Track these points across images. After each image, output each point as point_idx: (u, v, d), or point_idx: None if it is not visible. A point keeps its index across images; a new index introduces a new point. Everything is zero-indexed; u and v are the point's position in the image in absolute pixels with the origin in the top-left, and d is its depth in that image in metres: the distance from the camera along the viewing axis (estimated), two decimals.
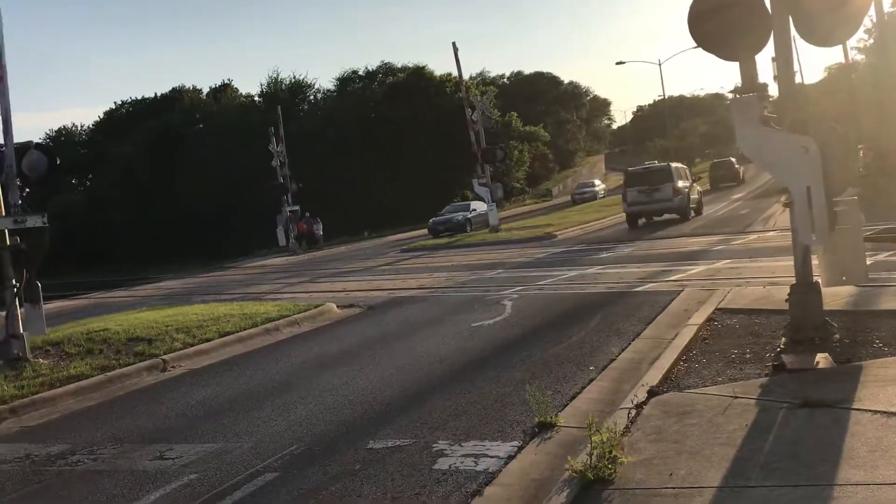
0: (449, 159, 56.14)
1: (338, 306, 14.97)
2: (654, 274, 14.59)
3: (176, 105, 70.66)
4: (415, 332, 11.62)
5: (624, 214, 28.61)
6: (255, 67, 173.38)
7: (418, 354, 9.83)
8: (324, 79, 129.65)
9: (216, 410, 8.22)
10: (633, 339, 9.08)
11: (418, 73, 69.06)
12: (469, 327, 11.30)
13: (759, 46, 7.34)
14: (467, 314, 12.51)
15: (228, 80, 76.21)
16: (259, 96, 70.98)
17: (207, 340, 12.17)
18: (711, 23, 7.17)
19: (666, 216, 27.58)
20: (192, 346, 11.88)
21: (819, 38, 7.37)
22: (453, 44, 36.23)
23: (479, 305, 13.37)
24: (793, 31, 7.13)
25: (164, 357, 11.16)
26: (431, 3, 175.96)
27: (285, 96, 65.74)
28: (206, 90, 75.22)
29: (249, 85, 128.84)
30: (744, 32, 7.12)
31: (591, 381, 7.53)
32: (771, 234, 18.77)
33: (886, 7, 36.66)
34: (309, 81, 72.18)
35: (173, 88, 74.09)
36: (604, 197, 57.54)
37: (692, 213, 28.09)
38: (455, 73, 38.34)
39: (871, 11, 31.03)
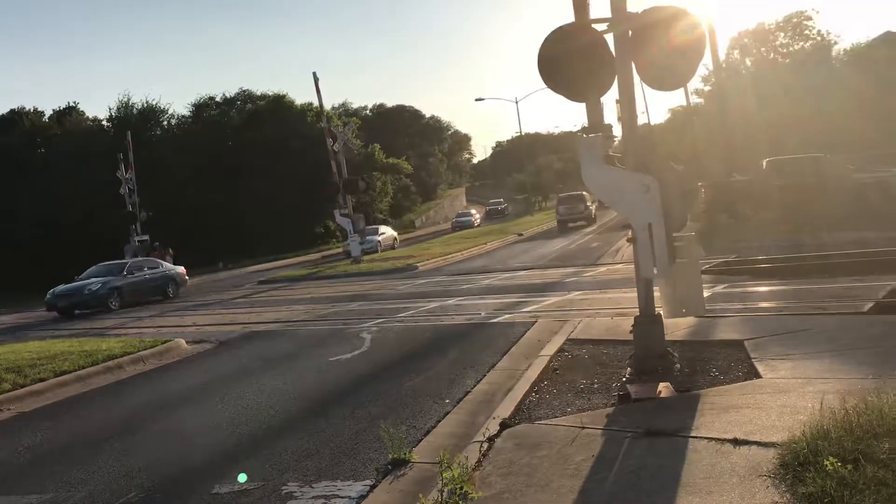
0: (311, 189, 55.41)
1: (187, 342, 14.32)
2: (511, 305, 14.90)
3: (15, 128, 66.06)
4: (269, 368, 11.25)
5: (479, 248, 35.81)
6: (105, 91, 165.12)
7: (271, 392, 9.51)
8: (178, 104, 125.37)
9: (47, 457, 7.58)
10: (488, 371, 9.18)
11: (278, 102, 68.08)
12: (326, 362, 11.07)
13: (604, 89, 7.69)
14: (325, 348, 12.28)
15: (74, 102, 72.43)
16: (108, 120, 67.58)
17: (41, 380, 11.27)
18: (559, 66, 7.46)
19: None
20: (23, 387, 10.94)
21: (658, 83, 7.81)
22: (314, 73, 36.17)
23: (337, 339, 13.16)
24: (636, 76, 7.53)
25: None
26: (292, 32, 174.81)
27: (136, 121, 62.81)
28: (49, 112, 70.92)
29: (98, 109, 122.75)
30: (589, 76, 7.45)
31: (447, 414, 7.52)
32: (619, 266, 19.65)
33: (721, 55, 39.73)
34: (162, 106, 69.50)
35: (11, 110, 69.27)
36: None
37: (594, 220, 44.88)
38: (316, 102, 38.10)
39: (708, 59, 33.54)
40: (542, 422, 6.56)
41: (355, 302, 18.95)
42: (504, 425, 6.51)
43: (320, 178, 44.80)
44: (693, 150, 36.82)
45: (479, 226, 64.18)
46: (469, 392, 8.26)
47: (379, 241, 42.50)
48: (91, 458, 7.33)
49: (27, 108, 70.02)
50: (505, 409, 6.97)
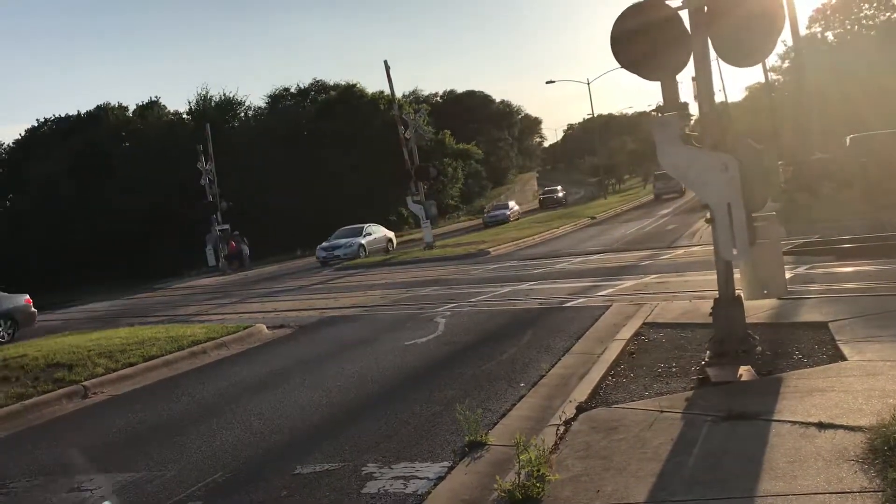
0: (383, 176, 55.95)
1: (268, 327, 14.70)
2: (585, 289, 14.77)
3: (101, 123, 68.73)
4: (346, 351, 11.47)
5: (551, 232, 35.40)
6: (184, 84, 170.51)
7: (349, 375, 9.70)
8: (255, 96, 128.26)
9: (138, 438, 7.94)
10: (562, 355, 9.14)
11: (350, 91, 68.87)
12: (402, 346, 11.22)
13: (680, 66, 7.51)
14: (400, 332, 12.43)
15: (156, 97, 75.03)
16: (188, 113, 69.68)
17: (131, 365, 11.78)
18: (633, 44, 7.32)
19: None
20: (114, 371, 11.46)
21: (736, 58, 7.59)
22: (385, 62, 36.26)
23: (412, 323, 13.30)
24: (713, 52, 7.34)
25: (84, 383, 10.74)
26: (363, 21, 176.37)
27: (214, 113, 64.62)
28: (132, 107, 73.50)
29: (178, 102, 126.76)
30: (664, 53, 7.28)
31: (522, 397, 7.53)
32: (696, 248, 19.23)
33: (802, 30, 38.25)
34: (239, 98, 71.27)
35: (98, 106, 72.09)
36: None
37: (683, 193, 49.18)
38: (388, 90, 38.38)
39: (787, 35, 32.38)
40: (620, 405, 6.51)
41: (429, 287, 19.10)
42: (580, 409, 6.49)
43: (393, 166, 45.16)
44: (772, 128, 35.70)
45: (517, 219, 55.14)
46: (544, 376, 8.25)
47: (363, 245, 35.63)
48: (178, 438, 7.64)
49: (112, 104, 72.78)
50: (581, 393, 6.94)
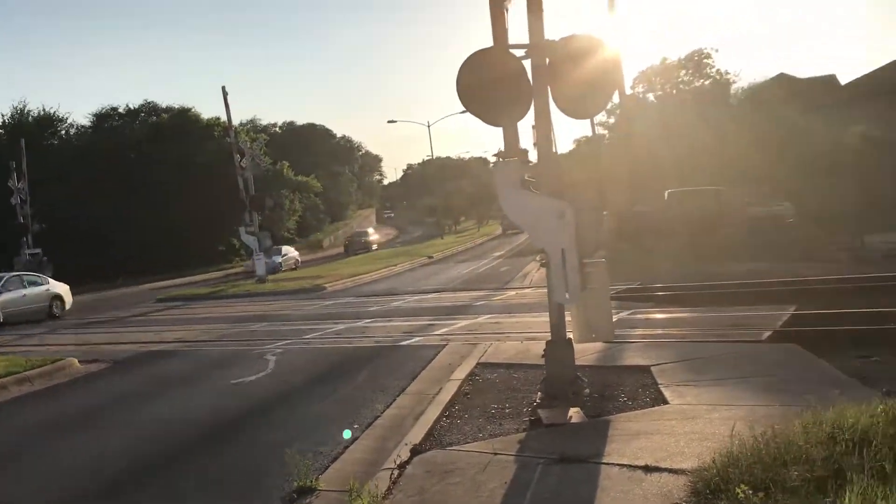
0: (216, 206, 53.97)
1: (80, 361, 13.54)
2: (421, 328, 14.78)
3: None
4: (166, 390, 10.75)
5: (389, 269, 35.04)
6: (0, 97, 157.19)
7: (168, 416, 9.05)
8: (78, 114, 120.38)
9: None
10: (398, 395, 9.00)
11: (183, 115, 66.19)
12: (228, 384, 10.65)
13: (521, 115, 7.73)
14: (227, 370, 11.82)
15: None
16: (1, 127, 64.25)
17: None
18: (477, 91, 7.44)
19: None
20: None
21: (573, 111, 7.92)
22: (223, 88, 35.30)
23: (240, 361, 12.70)
24: (552, 104, 7.59)
25: None
26: (202, 45, 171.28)
27: (32, 129, 59.91)
28: None
29: None
30: (507, 102, 7.46)
31: (356, 439, 7.30)
32: (528, 290, 19.84)
33: (627, 90, 41.13)
34: (61, 115, 66.52)
35: None
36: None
37: None
38: (224, 117, 37.25)
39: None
40: (454, 448, 6.44)
41: (260, 322, 18.43)
42: (415, 451, 6.36)
43: (226, 195, 43.64)
44: (598, 179, 37.84)
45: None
46: (379, 417, 8.07)
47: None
48: None
49: None
50: (416, 435, 6.82)
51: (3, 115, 64.76)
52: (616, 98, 33.23)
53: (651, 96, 57.71)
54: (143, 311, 25.14)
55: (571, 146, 65.17)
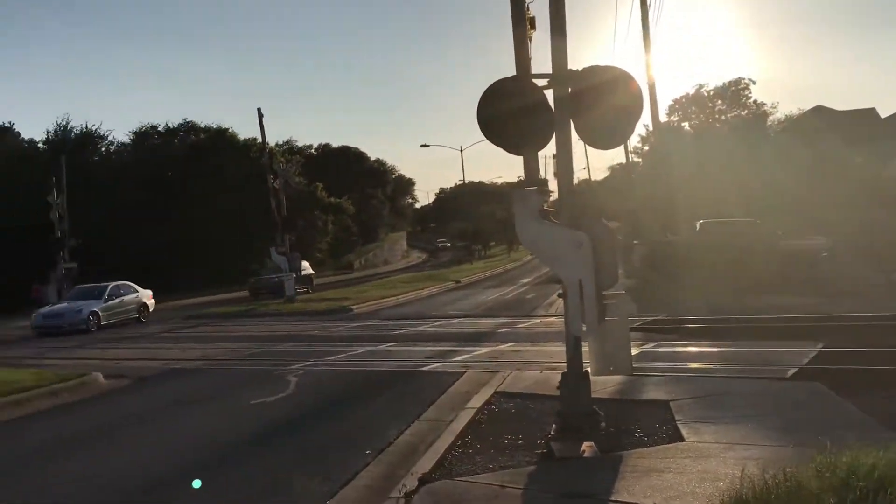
0: (250, 225, 54.62)
1: (105, 376, 13.72)
2: (442, 353, 14.73)
3: None
4: (187, 408, 10.83)
5: (416, 293, 35.12)
6: (43, 112, 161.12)
7: (186, 434, 9.11)
8: (120, 131, 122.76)
9: None
10: (413, 421, 8.96)
11: (221, 135, 67.23)
12: (248, 404, 10.69)
13: (542, 144, 7.73)
14: (248, 389, 11.88)
15: (10, 122, 69.86)
16: (44, 143, 65.72)
17: None
18: (498, 119, 7.42)
19: None
20: None
21: (595, 141, 7.89)
22: (258, 109, 35.95)
23: (262, 380, 12.77)
24: (574, 133, 7.57)
25: None
26: (240, 66, 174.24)
27: (74, 146, 61.25)
28: None
29: (35, 130, 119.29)
30: (527, 131, 7.44)
31: (366, 465, 7.26)
32: (553, 319, 19.70)
33: (662, 117, 40.95)
34: (102, 133, 67.94)
35: None
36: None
37: None
38: (260, 138, 37.79)
39: (647, 118, 34.48)
40: (463, 478, 6.38)
41: (285, 342, 18.53)
42: (423, 481, 6.31)
43: (260, 214, 44.17)
44: (631, 207, 37.65)
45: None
46: (391, 443, 8.03)
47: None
48: None
49: None
50: (426, 464, 6.77)
51: (46, 131, 66.39)
52: (651, 125, 33.11)
53: (686, 125, 57.41)
54: (172, 328, 25.40)
55: (606, 172, 64.99)
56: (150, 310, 29.50)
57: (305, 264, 42.68)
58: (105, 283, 28.14)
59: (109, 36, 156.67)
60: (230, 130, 67.92)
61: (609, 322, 7.30)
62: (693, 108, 58.30)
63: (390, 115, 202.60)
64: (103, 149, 67.96)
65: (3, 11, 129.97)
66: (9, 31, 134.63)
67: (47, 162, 50.71)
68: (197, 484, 6.73)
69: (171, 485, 7.05)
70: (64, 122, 66.00)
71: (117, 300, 27.62)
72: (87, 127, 66.69)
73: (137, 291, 29.17)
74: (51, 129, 66.24)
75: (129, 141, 69.10)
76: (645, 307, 18.31)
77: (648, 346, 13.43)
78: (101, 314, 26.38)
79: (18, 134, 68.80)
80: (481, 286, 39.71)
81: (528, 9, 7.99)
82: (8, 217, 51.63)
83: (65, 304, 27.04)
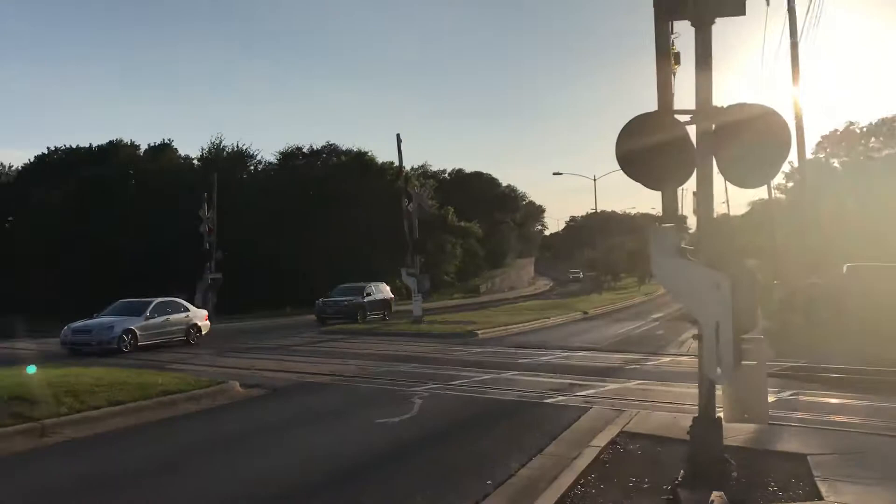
0: (383, 245, 56.20)
1: (241, 385, 14.44)
2: (567, 386, 14.54)
3: (110, 158, 69.25)
4: (315, 422, 11.23)
5: (542, 321, 34.66)
6: (198, 130, 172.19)
7: (313, 448, 9.45)
8: (267, 151, 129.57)
9: (87, 488, 7.63)
10: (534, 455, 8.89)
11: (360, 158, 69.77)
12: (373, 423, 10.95)
13: (682, 180, 7.55)
14: (374, 408, 12.16)
15: (169, 139, 75.21)
16: (198, 160, 70.33)
17: (96, 408, 11.49)
18: (638, 154, 7.33)
19: None
20: (77, 412, 11.17)
21: (739, 180, 7.64)
22: (397, 135, 36.89)
23: (387, 400, 13.04)
24: (716, 169, 7.36)
25: (44, 422, 10.44)
26: (381, 91, 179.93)
27: (225, 164, 65.24)
28: (144, 146, 74.18)
29: (190, 147, 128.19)
30: (668, 167, 7.30)
31: (486, 496, 7.27)
32: (684, 358, 19.06)
33: (808, 153, 38.99)
34: (252, 152, 72.05)
35: (110, 141, 72.71)
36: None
37: None
38: (397, 161, 38.84)
39: (793, 156, 32.91)
40: None
41: (410, 363, 18.84)
42: None
43: (393, 235, 45.36)
44: (771, 246, 35.96)
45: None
46: (512, 475, 8.00)
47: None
48: (129, 492, 7.35)
49: (124, 141, 73.46)
50: (547, 501, 6.71)
51: (202, 149, 70.99)
52: (796, 162, 31.59)
53: (835, 162, 54.41)
54: (305, 342, 26.35)
55: (746, 207, 62.45)
56: (203, 332, 26.43)
57: (385, 288, 40.42)
58: (150, 299, 25.52)
59: (263, 62, 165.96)
60: (369, 154, 70.38)
61: (745, 367, 7.01)
62: (843, 144, 55.22)
63: (523, 142, 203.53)
64: (251, 167, 71.87)
65: (166, 37, 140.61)
66: (172, 55, 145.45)
67: (201, 177, 54.24)
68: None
69: (303, 494, 7.32)
70: (217, 141, 70.46)
71: (161, 318, 24.75)
72: (238, 146, 70.82)
73: (188, 311, 26.48)
74: (205, 147, 70.84)
75: (275, 161, 72.75)
76: (784, 352, 17.44)
77: (785, 394, 12.76)
78: (138, 333, 23.42)
79: (176, 150, 74.01)
80: (610, 318, 38.97)
81: (672, 44, 7.87)
82: (163, 229, 55.47)
83: (97, 319, 23.99)
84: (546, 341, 25.34)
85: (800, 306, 25.58)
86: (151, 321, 24.26)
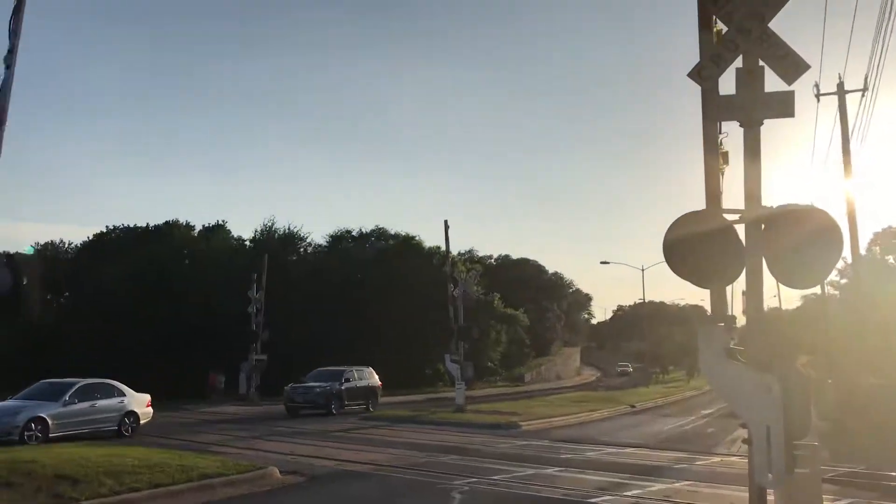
0: (427, 330, 56.17)
1: (280, 471, 14.32)
2: (612, 485, 14.08)
3: (166, 238, 71.21)
4: None
5: (587, 414, 33.42)
6: (251, 212, 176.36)
7: None
8: (317, 233, 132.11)
9: None
10: None
11: (408, 242, 70.51)
12: None
13: (731, 279, 7.46)
14: (412, 501, 11.95)
15: (223, 220, 77.17)
16: (251, 241, 71.87)
17: (136, 490, 11.54)
18: (685, 252, 7.29)
19: None
20: (118, 493, 11.28)
21: (789, 280, 7.50)
22: (445, 222, 37.30)
23: (427, 493, 12.83)
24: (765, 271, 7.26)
25: (84, 503, 10.48)
26: (430, 176, 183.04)
27: (276, 245, 66.50)
28: (198, 227, 76.18)
29: (243, 227, 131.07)
30: (716, 265, 7.24)
31: None
32: (734, 458, 18.35)
33: (862, 250, 38.23)
34: (302, 234, 73.45)
35: (166, 221, 74.83)
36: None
37: None
38: (444, 246, 39.20)
39: (847, 251, 32.35)
40: None
41: (451, 454, 18.50)
42: None
43: (438, 321, 45.31)
44: (825, 342, 34.97)
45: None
46: None
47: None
48: None
49: (180, 221, 75.65)
50: None
51: (254, 230, 72.70)
52: (850, 258, 31.00)
53: (891, 258, 53.28)
54: (346, 428, 26.13)
55: (798, 302, 61.12)
56: (142, 421, 22.76)
57: (370, 373, 36.46)
58: (74, 380, 22.01)
59: (314, 148, 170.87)
60: (416, 238, 71.12)
61: (798, 474, 6.73)
62: None
63: (571, 231, 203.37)
64: (301, 249, 73.15)
65: (219, 123, 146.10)
66: (227, 139, 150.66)
67: (252, 258, 55.39)
68: None
69: None
70: (269, 223, 72.07)
71: (85, 404, 21.23)
72: (289, 228, 72.35)
73: (123, 395, 22.61)
74: (258, 228, 72.55)
75: (325, 243, 74.02)
76: (839, 456, 16.72)
77: (842, 503, 12.16)
78: (50, 422, 19.97)
79: (229, 231, 75.87)
80: (658, 413, 37.94)
81: (721, 143, 7.92)
82: (213, 307, 56.37)
83: (2, 403, 20.87)
84: (591, 436, 24.72)
85: (856, 408, 24.64)
86: (71, 407, 20.79)
